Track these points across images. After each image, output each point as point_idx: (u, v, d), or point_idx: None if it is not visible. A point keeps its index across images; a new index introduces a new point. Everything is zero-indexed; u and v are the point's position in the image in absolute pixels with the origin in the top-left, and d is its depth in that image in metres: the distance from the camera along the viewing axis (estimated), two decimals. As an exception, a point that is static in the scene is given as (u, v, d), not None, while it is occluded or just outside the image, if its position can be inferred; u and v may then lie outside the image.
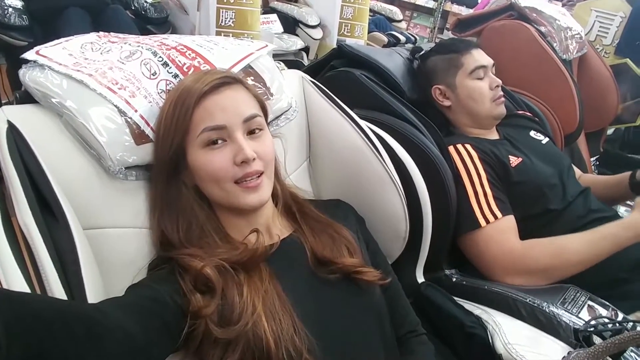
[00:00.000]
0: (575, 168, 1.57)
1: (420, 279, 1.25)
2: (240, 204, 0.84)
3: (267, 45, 1.17)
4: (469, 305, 1.15)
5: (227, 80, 0.86)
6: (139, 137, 0.88)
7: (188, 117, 0.82)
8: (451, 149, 1.35)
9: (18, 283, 0.63)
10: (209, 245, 0.83)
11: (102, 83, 0.87)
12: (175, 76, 0.96)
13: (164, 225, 0.85)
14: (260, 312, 0.74)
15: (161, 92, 0.93)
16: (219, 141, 0.83)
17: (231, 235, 0.87)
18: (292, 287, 0.81)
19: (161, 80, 0.95)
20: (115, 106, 0.87)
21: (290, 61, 2.65)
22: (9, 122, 0.78)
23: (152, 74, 0.94)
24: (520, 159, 1.37)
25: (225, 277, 0.77)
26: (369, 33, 3.14)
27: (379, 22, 3.86)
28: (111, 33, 1.07)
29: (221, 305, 0.75)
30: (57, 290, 0.65)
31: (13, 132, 0.77)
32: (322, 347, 0.75)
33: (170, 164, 0.85)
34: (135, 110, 0.88)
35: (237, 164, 0.82)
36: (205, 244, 0.83)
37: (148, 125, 0.89)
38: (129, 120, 0.87)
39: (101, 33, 1.05)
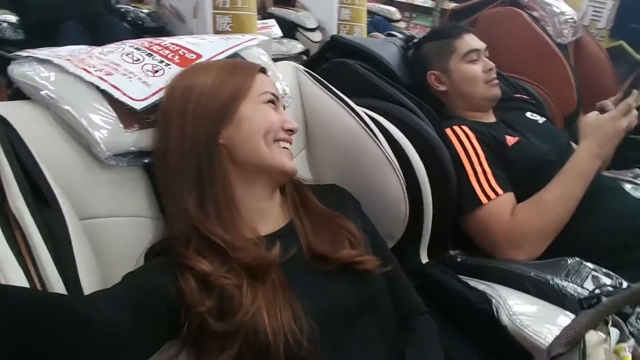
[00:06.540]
0: (572, 144, 1.57)
1: (424, 260, 1.25)
2: (277, 163, 0.87)
3: (255, 38, 1.17)
4: (474, 282, 1.14)
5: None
6: (129, 123, 0.88)
7: (250, 80, 0.88)
8: (448, 131, 1.36)
9: (11, 267, 0.63)
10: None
11: (78, 66, 0.89)
12: (161, 61, 0.97)
13: (188, 206, 0.80)
14: (260, 303, 0.72)
15: (147, 72, 0.93)
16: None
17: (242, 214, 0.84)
18: (293, 276, 0.79)
19: (146, 64, 0.96)
20: (96, 86, 0.87)
21: (291, 65, 2.66)
22: (0, 116, 0.79)
23: (135, 60, 0.96)
24: (516, 138, 1.37)
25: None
26: (368, 35, 3.15)
27: (378, 24, 3.87)
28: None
29: (220, 298, 0.73)
30: (50, 272, 0.66)
31: (4, 124, 0.78)
32: (324, 336, 0.74)
33: (209, 136, 0.83)
34: (111, 84, 0.88)
35: (284, 129, 0.89)
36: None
37: (132, 99, 0.88)
38: (116, 106, 0.87)
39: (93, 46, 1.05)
